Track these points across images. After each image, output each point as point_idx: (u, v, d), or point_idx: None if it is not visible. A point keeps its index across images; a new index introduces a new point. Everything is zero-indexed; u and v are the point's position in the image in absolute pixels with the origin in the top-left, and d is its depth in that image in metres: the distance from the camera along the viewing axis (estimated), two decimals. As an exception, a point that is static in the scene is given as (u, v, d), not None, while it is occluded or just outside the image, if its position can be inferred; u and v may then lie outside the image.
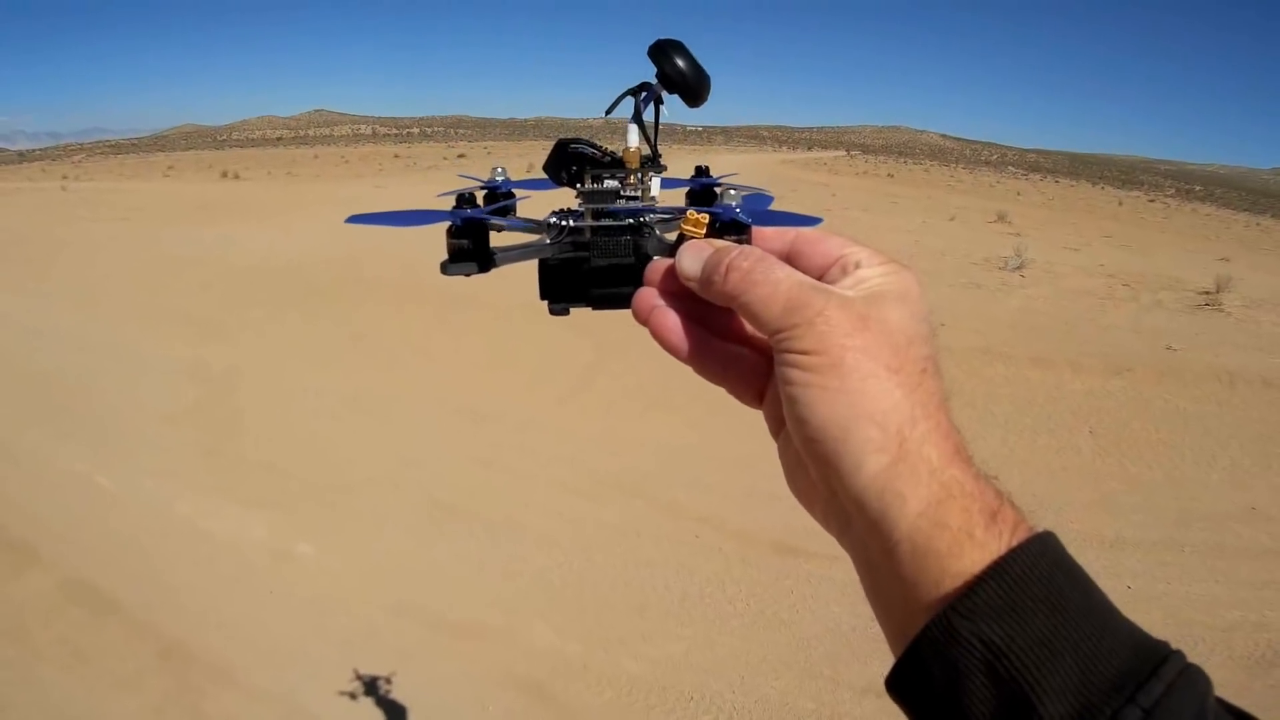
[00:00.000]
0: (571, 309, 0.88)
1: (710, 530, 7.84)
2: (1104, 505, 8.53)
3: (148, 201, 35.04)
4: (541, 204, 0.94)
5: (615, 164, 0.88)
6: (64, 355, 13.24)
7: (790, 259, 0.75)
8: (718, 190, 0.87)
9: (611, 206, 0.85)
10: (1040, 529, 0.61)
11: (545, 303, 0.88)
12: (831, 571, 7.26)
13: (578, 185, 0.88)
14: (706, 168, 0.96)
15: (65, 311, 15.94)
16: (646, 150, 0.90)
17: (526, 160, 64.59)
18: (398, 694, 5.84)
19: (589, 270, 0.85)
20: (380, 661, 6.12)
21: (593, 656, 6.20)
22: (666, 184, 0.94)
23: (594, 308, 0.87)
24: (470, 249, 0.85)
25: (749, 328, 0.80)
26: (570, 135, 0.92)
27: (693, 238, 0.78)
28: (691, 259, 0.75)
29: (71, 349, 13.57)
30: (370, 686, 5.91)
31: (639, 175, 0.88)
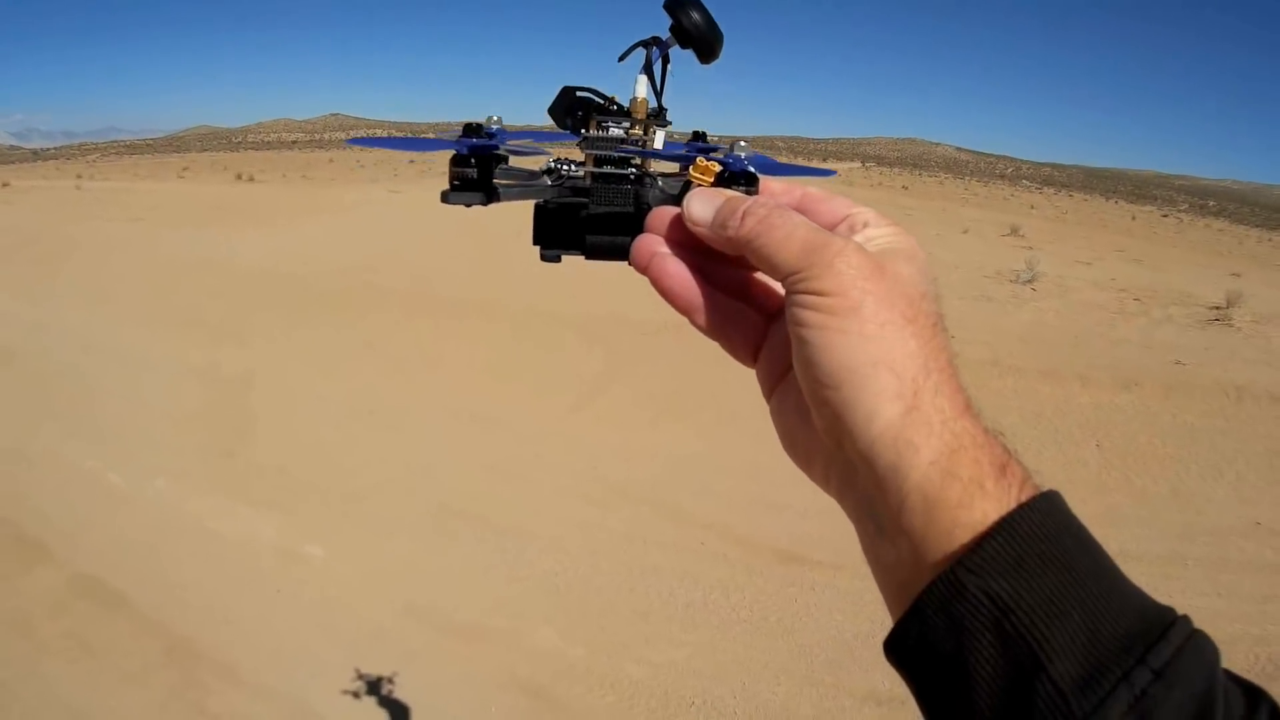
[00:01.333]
0: (564, 256, 0.88)
1: (716, 538, 7.86)
2: (1109, 518, 8.52)
3: (162, 202, 35.11)
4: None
5: (621, 113, 0.87)
6: (74, 355, 13.30)
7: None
8: (720, 152, 0.85)
9: (614, 151, 0.85)
10: (1047, 488, 0.61)
11: (537, 249, 0.88)
12: (835, 580, 7.29)
13: (581, 131, 0.88)
14: (704, 132, 0.93)
15: (75, 311, 16.00)
16: (654, 103, 0.89)
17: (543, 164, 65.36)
18: (401, 694, 5.88)
19: (586, 217, 0.86)
20: (385, 662, 6.16)
21: (596, 661, 6.23)
22: (669, 146, 0.90)
23: (588, 256, 0.87)
24: (475, 179, 0.85)
25: (751, 282, 0.82)
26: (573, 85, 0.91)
27: (699, 186, 0.78)
28: (703, 204, 0.75)
29: (81, 349, 13.63)
30: (374, 687, 5.94)
31: (644, 126, 0.88)
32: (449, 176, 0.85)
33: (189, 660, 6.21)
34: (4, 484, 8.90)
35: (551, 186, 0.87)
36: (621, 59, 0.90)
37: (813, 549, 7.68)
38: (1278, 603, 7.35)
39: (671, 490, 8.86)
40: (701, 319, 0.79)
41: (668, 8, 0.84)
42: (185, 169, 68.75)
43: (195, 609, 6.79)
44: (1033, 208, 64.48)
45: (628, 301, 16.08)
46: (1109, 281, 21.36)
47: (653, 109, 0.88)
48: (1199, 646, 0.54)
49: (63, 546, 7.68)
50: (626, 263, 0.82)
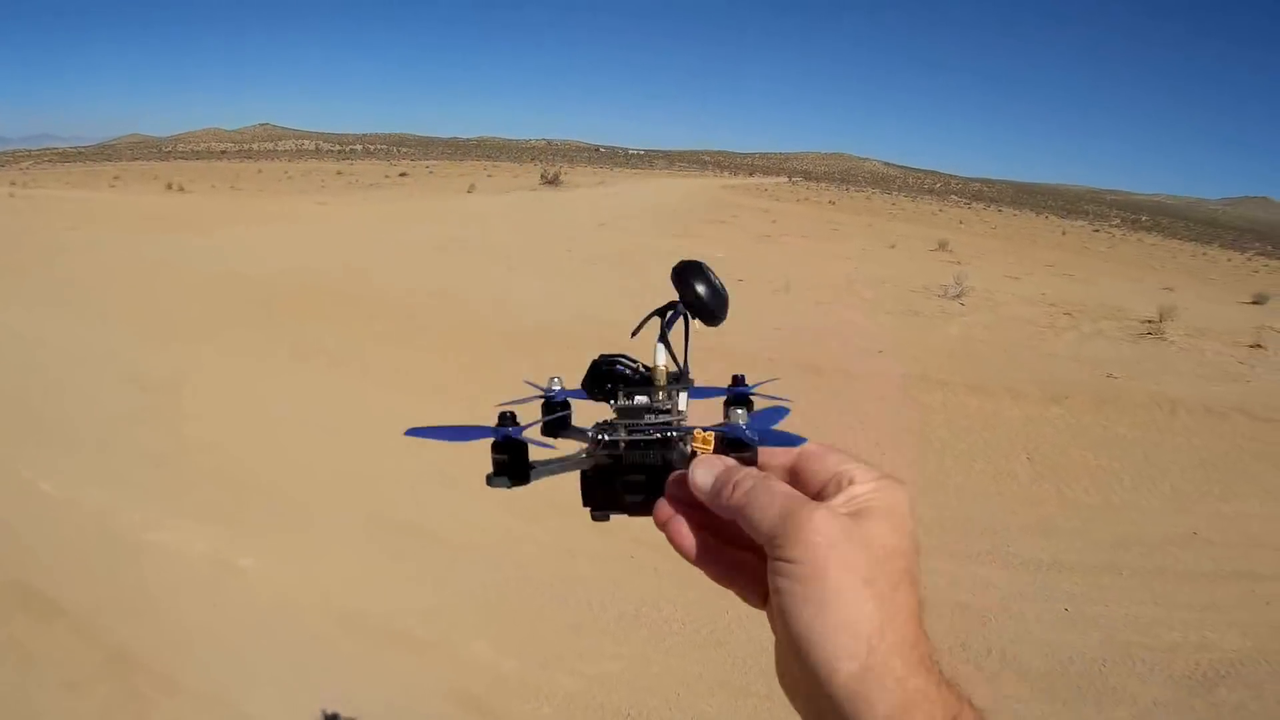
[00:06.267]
0: (612, 515, 1.00)
1: (645, 550, 7.92)
2: (1041, 529, 8.71)
3: (95, 210, 34.65)
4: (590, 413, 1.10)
5: (646, 380, 1.01)
6: (5, 360, 13.16)
7: (794, 473, 0.89)
8: (752, 398, 1.01)
9: (640, 424, 0.96)
10: None
11: (588, 510, 1.00)
12: (765, 593, 7.40)
13: (612, 401, 1.01)
14: (742, 376, 1.06)
15: (7, 314, 15.84)
16: (674, 367, 1.02)
17: (468, 180, 64.32)
18: (339, 705, 5.91)
19: (623, 481, 0.97)
20: (323, 672, 6.16)
21: (529, 673, 6.27)
22: (699, 393, 1.05)
23: (630, 515, 0.98)
24: (507, 464, 1.00)
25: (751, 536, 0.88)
26: (606, 353, 1.06)
27: (703, 453, 0.91)
28: (704, 473, 0.87)
29: (15, 351, 13.50)
30: (313, 696, 5.99)
31: (668, 391, 1.00)
32: (492, 463, 1.01)
33: (128, 670, 6.19)
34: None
35: (587, 456, 0.99)
36: (634, 333, 1.07)
37: (742, 561, 7.81)
38: (1217, 610, 7.56)
39: (599, 503, 8.93)
40: (711, 570, 0.93)
41: (674, 280, 1.00)
42: (116, 178, 67.64)
43: (132, 619, 6.74)
44: (961, 223, 65.40)
45: (554, 313, 16.19)
46: (1039, 296, 21.84)
47: (673, 372, 1.01)
48: None
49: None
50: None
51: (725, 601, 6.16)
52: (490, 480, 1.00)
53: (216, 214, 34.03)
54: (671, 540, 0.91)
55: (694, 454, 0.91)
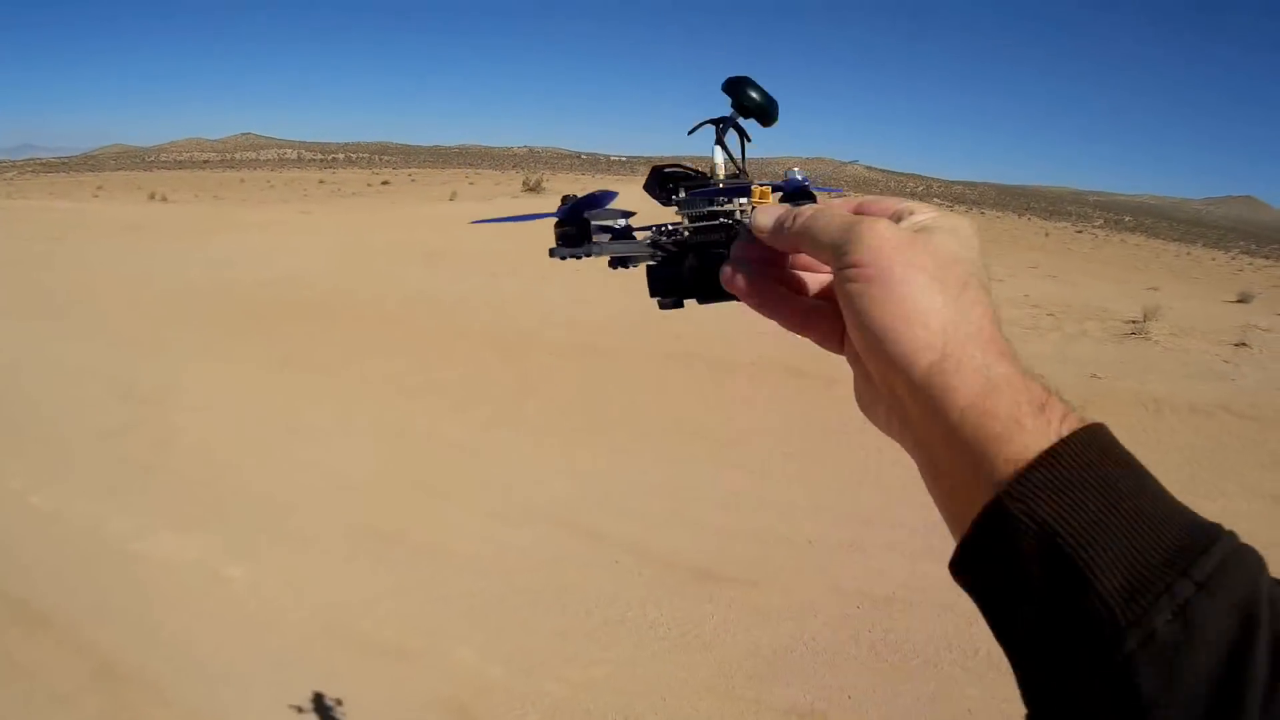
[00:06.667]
0: (684, 302, 1.01)
1: (631, 556, 7.93)
2: (1026, 530, 8.66)
3: (79, 221, 34.52)
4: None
5: (706, 180, 1.01)
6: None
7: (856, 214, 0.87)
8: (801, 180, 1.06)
9: (699, 199, 0.99)
10: (1091, 420, 0.68)
11: (655, 300, 1.01)
12: (750, 596, 7.41)
13: (675, 197, 1.00)
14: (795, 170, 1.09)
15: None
16: (733, 169, 1.02)
17: (450, 188, 64.18)
18: (327, 714, 5.92)
19: (689, 268, 0.99)
20: (310, 682, 6.17)
21: (515, 680, 6.28)
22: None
23: (700, 301, 1.00)
24: (574, 234, 0.99)
25: (821, 284, 0.95)
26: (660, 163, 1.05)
27: (763, 205, 0.95)
28: (765, 215, 0.89)
29: (1, 364, 13.47)
30: (300, 707, 5.98)
31: (728, 185, 1.00)
32: (555, 236, 1.00)
33: (117, 682, 6.19)
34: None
35: (649, 245, 1.01)
36: (691, 133, 1.05)
37: (727, 566, 7.81)
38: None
39: (584, 508, 8.93)
40: (786, 320, 0.93)
41: (726, 90, 1.00)
42: (100, 188, 67.57)
43: (121, 630, 6.76)
44: (944, 226, 65.16)
45: (539, 320, 16.18)
46: (1022, 298, 21.81)
47: (732, 173, 1.03)
48: (1242, 558, 0.59)
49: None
50: (734, 301, 0.96)
51: (710, 606, 6.21)
52: (553, 251, 1.00)
53: (200, 224, 34.08)
54: (740, 294, 0.92)
55: (753, 209, 0.94)
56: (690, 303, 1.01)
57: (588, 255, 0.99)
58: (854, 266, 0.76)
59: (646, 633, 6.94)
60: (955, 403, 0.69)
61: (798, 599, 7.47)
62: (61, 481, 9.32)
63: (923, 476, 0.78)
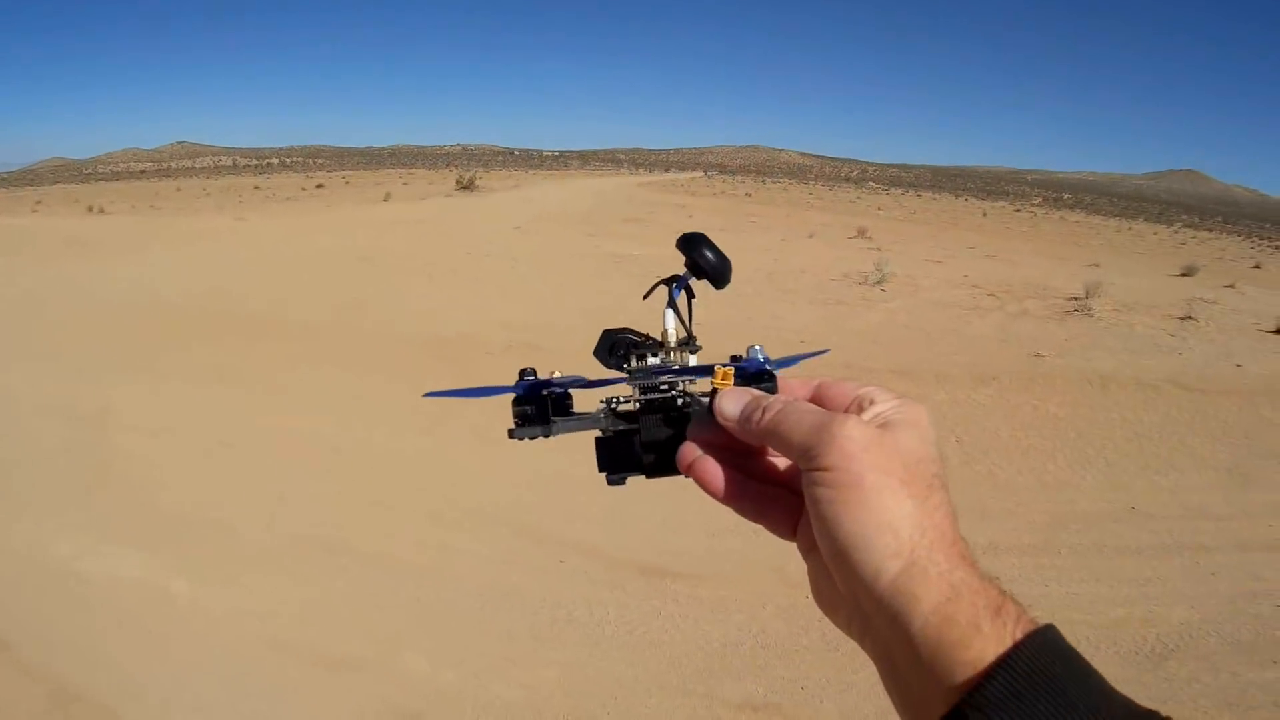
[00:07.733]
0: (628, 479, 1.00)
1: (576, 555, 7.91)
2: (975, 511, 8.72)
3: (17, 237, 34.13)
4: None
5: (656, 345, 1.02)
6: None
7: (815, 401, 0.90)
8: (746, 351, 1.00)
9: (654, 373, 0.98)
10: (1042, 623, 0.71)
11: (604, 475, 1.00)
12: (697, 591, 7.40)
13: (624, 366, 1.02)
14: (740, 355, 1.03)
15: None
16: (683, 332, 1.05)
17: (384, 189, 64.20)
18: (280, 730, 5.86)
19: (641, 443, 0.98)
20: (260, 697, 6.12)
21: (467, 685, 6.24)
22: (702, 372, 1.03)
23: (648, 476, 0.99)
24: (533, 414, 1.00)
25: (778, 468, 0.95)
26: (610, 327, 1.05)
27: (723, 388, 0.92)
28: (731, 403, 0.89)
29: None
30: (253, 722, 5.92)
31: (677, 354, 1.03)
32: (513, 416, 1.01)
33: (71, 705, 6.11)
34: None
35: (605, 418, 1.01)
36: (645, 296, 1.12)
37: (673, 561, 7.79)
38: (1159, 584, 7.63)
39: (527, 510, 8.88)
40: (741, 507, 0.92)
41: (681, 249, 1.03)
42: (39, 202, 67.11)
43: (71, 653, 6.66)
44: (880, 209, 66.25)
45: (474, 322, 16.12)
46: (961, 279, 22.14)
47: (682, 338, 1.05)
48: None
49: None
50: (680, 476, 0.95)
51: (657, 602, 6.13)
52: (513, 433, 1.01)
53: (137, 236, 33.65)
54: (700, 481, 0.92)
55: (714, 392, 0.92)
56: (638, 477, 1.01)
57: (546, 435, 1.01)
58: (824, 470, 0.77)
59: (594, 632, 6.91)
60: (919, 610, 0.71)
61: (746, 591, 7.47)
62: (1, 504, 9.18)
63: (882, 678, 0.79)
